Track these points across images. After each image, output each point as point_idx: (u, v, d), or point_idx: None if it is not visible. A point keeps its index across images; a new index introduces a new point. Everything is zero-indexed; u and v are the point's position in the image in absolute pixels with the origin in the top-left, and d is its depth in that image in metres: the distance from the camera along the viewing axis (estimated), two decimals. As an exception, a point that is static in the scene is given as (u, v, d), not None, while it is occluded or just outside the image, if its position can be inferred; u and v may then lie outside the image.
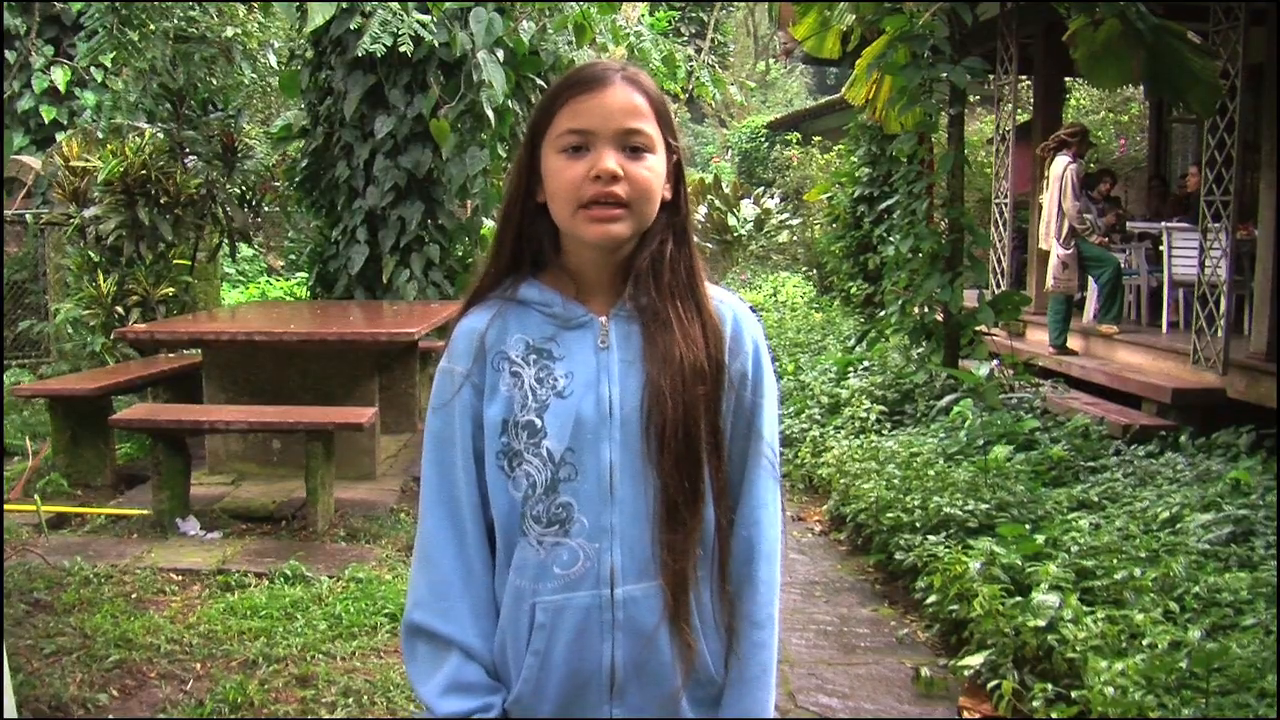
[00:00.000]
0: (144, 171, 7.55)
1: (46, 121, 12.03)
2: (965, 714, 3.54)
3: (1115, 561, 3.91)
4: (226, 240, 8.54)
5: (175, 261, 7.93)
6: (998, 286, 8.90)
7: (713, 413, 1.41)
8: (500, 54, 7.70)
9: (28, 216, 9.42)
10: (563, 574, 1.37)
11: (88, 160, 7.88)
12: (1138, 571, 3.77)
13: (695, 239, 1.49)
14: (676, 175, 1.44)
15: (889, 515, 4.89)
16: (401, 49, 7.22)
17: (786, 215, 17.20)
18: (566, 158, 1.37)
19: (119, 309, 7.48)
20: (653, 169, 1.38)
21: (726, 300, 1.48)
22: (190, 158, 8.05)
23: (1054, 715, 3.26)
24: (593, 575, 1.37)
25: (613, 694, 1.38)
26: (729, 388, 1.43)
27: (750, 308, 1.52)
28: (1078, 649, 3.35)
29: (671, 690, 1.39)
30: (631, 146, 1.37)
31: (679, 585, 1.37)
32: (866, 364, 7.82)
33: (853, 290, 11.67)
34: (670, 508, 1.37)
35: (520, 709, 1.39)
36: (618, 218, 1.36)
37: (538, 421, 1.38)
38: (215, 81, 8.40)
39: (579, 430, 1.37)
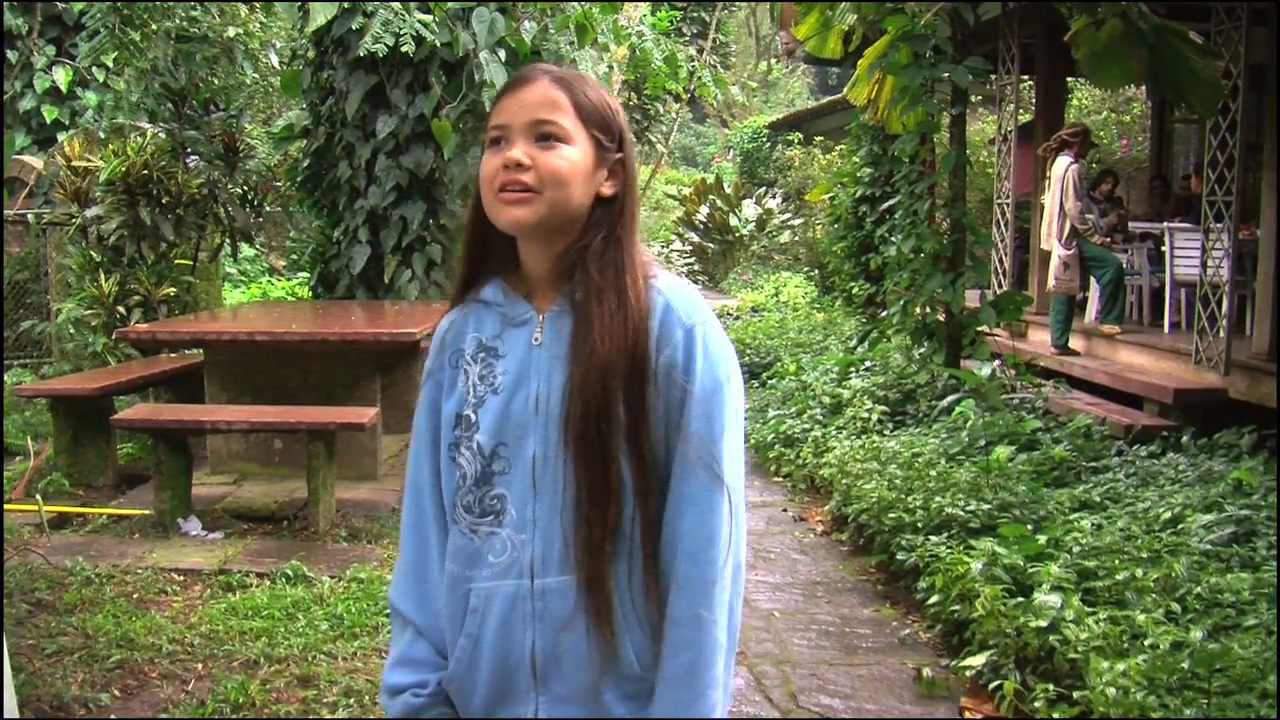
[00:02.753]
0: (146, 171, 7.55)
1: (48, 121, 12.05)
2: (967, 714, 3.54)
3: (1117, 562, 3.91)
4: (228, 240, 8.54)
5: (177, 261, 7.93)
6: (999, 287, 8.90)
7: (634, 410, 1.39)
8: (502, 54, 7.70)
9: (29, 216, 9.43)
10: (495, 562, 1.43)
11: (89, 160, 7.88)
12: (1139, 572, 3.77)
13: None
14: (622, 173, 1.48)
15: (891, 515, 4.89)
16: (403, 49, 7.22)
17: (788, 215, 17.21)
18: (490, 153, 1.44)
19: (120, 309, 7.49)
20: (565, 157, 1.42)
21: (665, 289, 1.45)
22: (192, 158, 8.06)
23: (1056, 716, 3.26)
24: (518, 565, 1.42)
25: (536, 682, 1.42)
26: (654, 383, 1.41)
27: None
28: (1079, 649, 3.34)
29: (590, 683, 1.41)
30: (542, 135, 1.42)
31: (594, 580, 1.39)
32: (868, 364, 7.81)
33: (854, 290, 11.67)
34: (582, 503, 1.39)
35: (455, 688, 1.46)
36: (523, 201, 1.41)
37: (472, 416, 1.46)
38: (217, 81, 8.41)
39: (508, 425, 1.43)
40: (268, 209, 9.50)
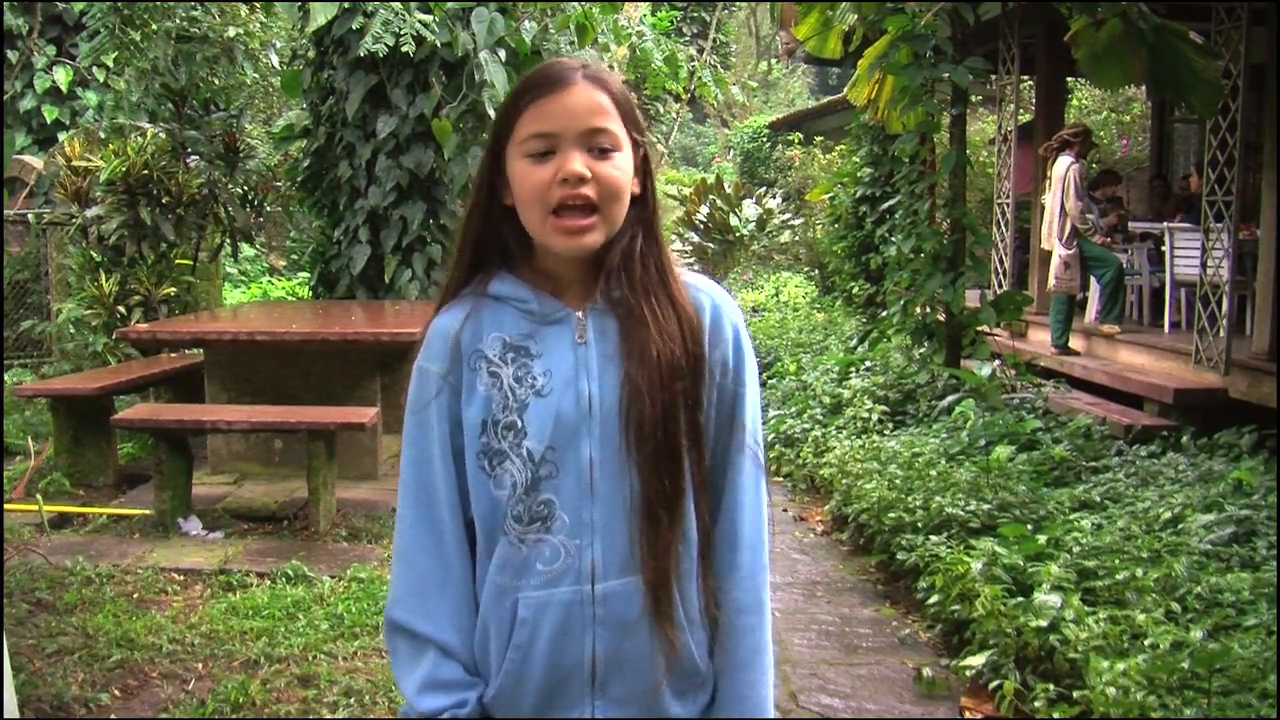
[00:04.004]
0: (146, 171, 7.55)
1: (49, 121, 12.04)
2: (967, 714, 3.54)
3: (1117, 562, 3.91)
4: (228, 240, 8.55)
5: (177, 261, 7.94)
6: (1000, 286, 8.90)
7: (692, 408, 1.40)
8: (502, 54, 7.70)
9: (30, 216, 9.43)
10: (545, 570, 1.37)
11: (90, 160, 7.89)
12: (1140, 572, 3.77)
13: (665, 232, 1.47)
14: (644, 169, 1.43)
15: (891, 515, 4.89)
16: (403, 49, 7.22)
17: (788, 215, 17.18)
18: (532, 163, 1.35)
19: (121, 309, 7.49)
20: (620, 168, 1.37)
21: (704, 288, 1.46)
22: (192, 157, 8.06)
23: (1056, 715, 3.26)
24: (574, 571, 1.37)
25: (594, 687, 1.39)
26: (709, 380, 1.42)
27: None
28: (1080, 649, 3.34)
29: (653, 683, 1.39)
30: (599, 148, 1.35)
31: (659, 581, 1.37)
32: (868, 364, 7.81)
33: (855, 290, 11.66)
34: (649, 505, 1.37)
35: (501, 702, 1.40)
36: (588, 228, 1.35)
37: (519, 422, 1.37)
38: (217, 81, 8.41)
39: (559, 428, 1.37)
40: (268, 209, 9.50)
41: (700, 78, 10.28)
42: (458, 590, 1.42)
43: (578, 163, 1.33)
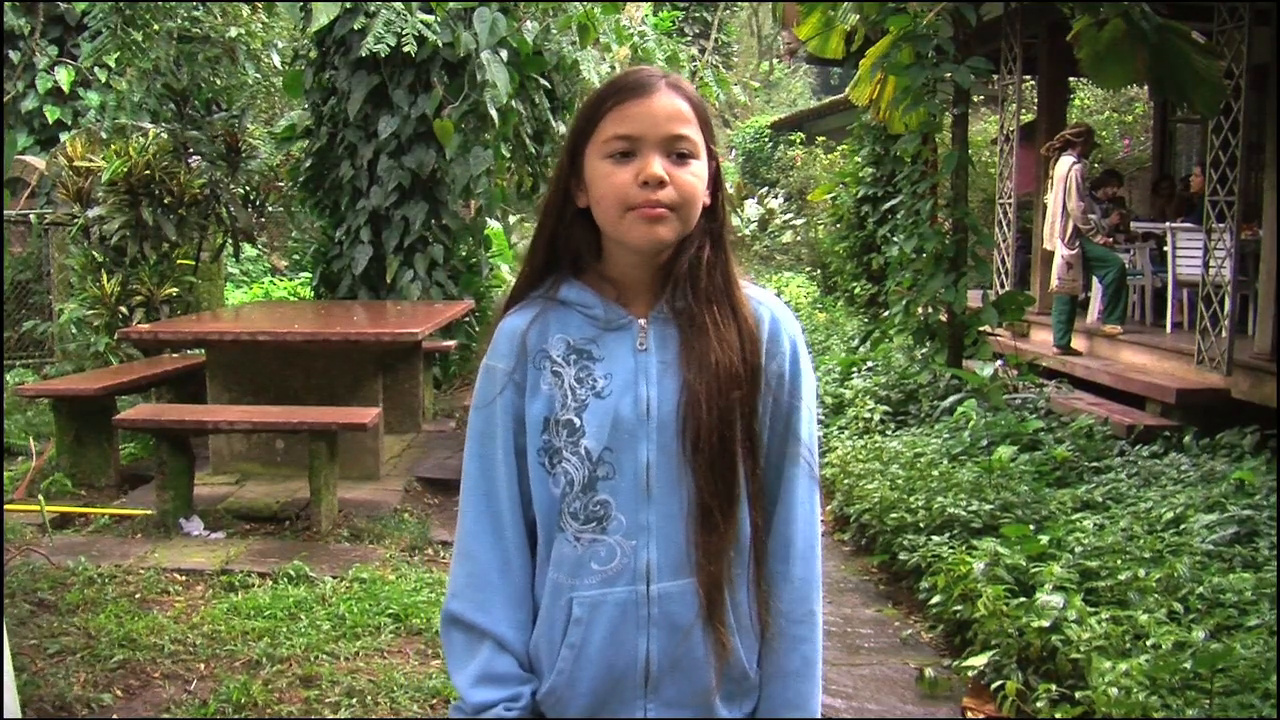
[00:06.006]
0: (148, 172, 7.56)
1: (50, 121, 12.05)
2: (969, 714, 3.54)
3: (1119, 562, 3.91)
4: (230, 240, 8.55)
5: (179, 261, 7.94)
6: (1002, 287, 8.89)
7: (748, 416, 1.42)
8: (504, 54, 7.70)
9: (32, 217, 9.43)
10: (600, 569, 1.39)
11: (92, 160, 7.89)
12: (1142, 572, 3.77)
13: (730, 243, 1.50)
14: (715, 180, 1.46)
15: (893, 516, 4.88)
16: (405, 49, 7.23)
17: (790, 215, 17.21)
18: (613, 163, 1.38)
19: (123, 309, 7.49)
20: (697, 174, 1.40)
21: (765, 301, 1.50)
22: (194, 158, 8.06)
23: (1058, 716, 3.25)
24: (630, 571, 1.39)
25: (647, 689, 1.40)
26: (765, 390, 1.44)
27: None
28: (1082, 649, 3.34)
29: (705, 687, 1.41)
30: (678, 153, 1.38)
31: (713, 585, 1.39)
32: (870, 364, 7.81)
33: (857, 290, 11.67)
34: (705, 510, 1.39)
35: (553, 700, 1.42)
36: (663, 219, 1.37)
37: (576, 420, 1.40)
38: (219, 81, 8.41)
39: (617, 430, 1.40)
40: (270, 209, 9.52)
41: (702, 78, 10.28)
42: (516, 585, 1.44)
43: (658, 165, 1.36)
